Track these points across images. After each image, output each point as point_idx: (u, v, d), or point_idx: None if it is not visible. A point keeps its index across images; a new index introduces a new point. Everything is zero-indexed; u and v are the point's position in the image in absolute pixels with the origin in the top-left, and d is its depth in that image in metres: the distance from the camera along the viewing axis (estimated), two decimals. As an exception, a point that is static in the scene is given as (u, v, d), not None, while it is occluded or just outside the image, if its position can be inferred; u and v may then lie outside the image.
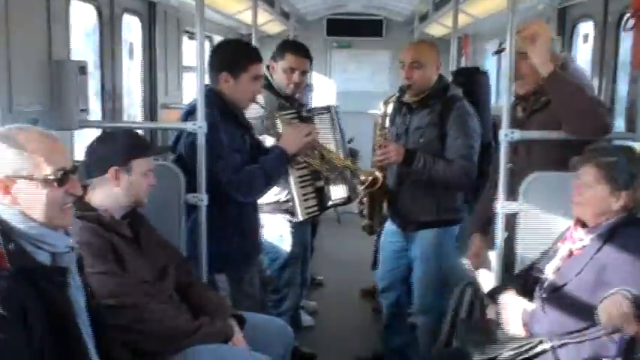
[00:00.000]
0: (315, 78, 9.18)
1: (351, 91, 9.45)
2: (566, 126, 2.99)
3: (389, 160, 3.69)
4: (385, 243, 4.11)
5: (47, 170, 1.95)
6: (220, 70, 3.25)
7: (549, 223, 3.02)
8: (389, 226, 4.06)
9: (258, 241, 3.60)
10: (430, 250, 3.81)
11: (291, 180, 3.69)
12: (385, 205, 3.96)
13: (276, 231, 4.04)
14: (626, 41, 3.76)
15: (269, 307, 3.97)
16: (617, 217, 2.63)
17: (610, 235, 2.60)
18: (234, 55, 3.30)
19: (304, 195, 3.80)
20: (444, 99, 3.71)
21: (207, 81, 3.25)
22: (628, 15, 3.28)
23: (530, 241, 3.08)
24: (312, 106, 4.53)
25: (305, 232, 4.36)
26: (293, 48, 4.02)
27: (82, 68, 3.28)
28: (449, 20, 6.41)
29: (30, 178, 1.94)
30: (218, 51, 3.41)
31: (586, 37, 4.43)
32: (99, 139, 2.76)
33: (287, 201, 3.92)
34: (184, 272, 2.93)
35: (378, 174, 3.83)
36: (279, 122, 3.53)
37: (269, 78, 3.96)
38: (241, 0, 5.60)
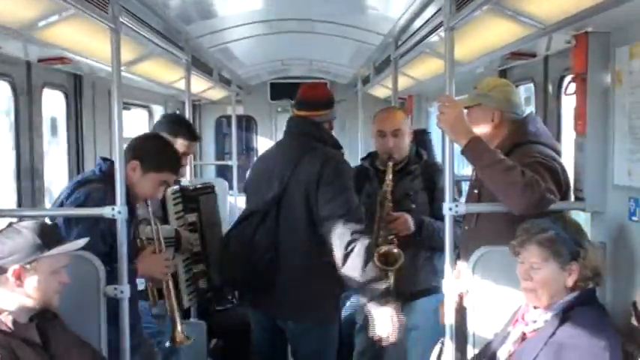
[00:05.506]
0: (261, 142, 9.02)
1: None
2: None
3: (408, 231, 3.61)
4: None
5: None
6: (134, 157, 3.08)
7: (501, 299, 2.82)
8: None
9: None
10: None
11: None
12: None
13: None
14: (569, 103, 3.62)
15: None
16: (571, 296, 2.44)
17: (565, 315, 2.40)
18: (160, 152, 3.15)
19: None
20: (422, 164, 3.82)
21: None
22: (569, 78, 3.13)
23: (482, 319, 2.88)
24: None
25: None
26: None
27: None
28: (390, 82, 6.32)
29: None
30: (144, 139, 3.32)
31: (527, 99, 4.31)
32: (0, 233, 2.47)
33: None
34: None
35: (396, 250, 3.55)
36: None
37: None
38: (176, 69, 5.36)
